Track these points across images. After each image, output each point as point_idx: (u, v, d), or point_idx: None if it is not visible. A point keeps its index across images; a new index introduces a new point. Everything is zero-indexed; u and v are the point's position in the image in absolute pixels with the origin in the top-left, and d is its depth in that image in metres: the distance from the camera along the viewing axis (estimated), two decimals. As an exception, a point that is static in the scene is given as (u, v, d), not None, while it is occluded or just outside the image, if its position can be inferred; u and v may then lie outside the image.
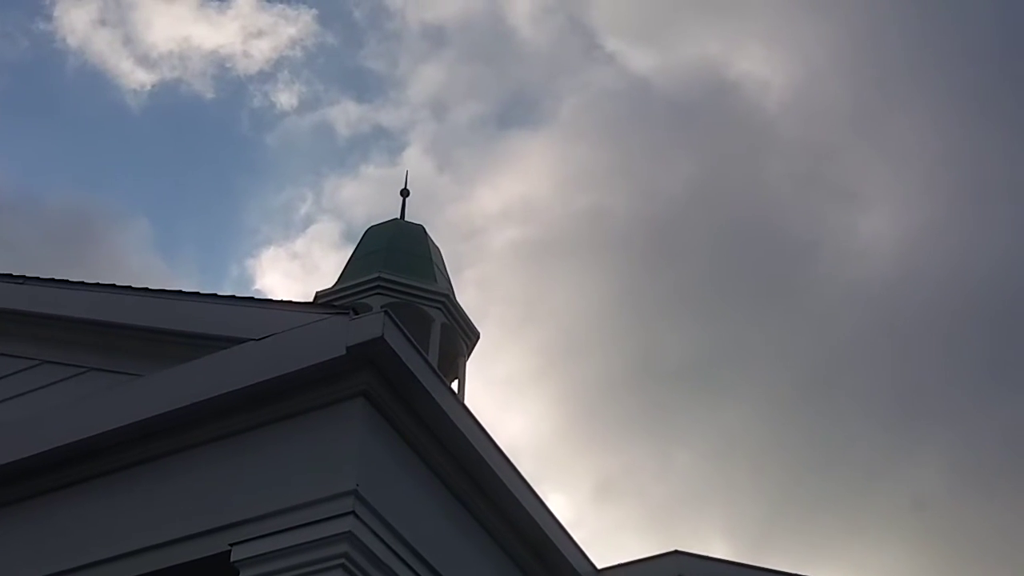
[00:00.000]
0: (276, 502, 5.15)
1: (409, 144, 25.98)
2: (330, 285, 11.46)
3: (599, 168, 23.79)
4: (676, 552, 6.69)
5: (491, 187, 25.18)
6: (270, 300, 6.20)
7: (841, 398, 20.45)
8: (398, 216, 12.73)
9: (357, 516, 4.94)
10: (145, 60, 25.93)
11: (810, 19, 23.14)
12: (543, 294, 22.81)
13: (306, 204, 27.06)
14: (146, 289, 6.52)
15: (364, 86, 27.34)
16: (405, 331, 5.35)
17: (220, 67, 25.98)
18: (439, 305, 11.06)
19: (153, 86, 25.60)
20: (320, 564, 4.90)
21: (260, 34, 26.30)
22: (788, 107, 23.65)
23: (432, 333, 10.80)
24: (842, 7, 22.47)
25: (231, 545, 5.11)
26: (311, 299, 11.15)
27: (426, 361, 5.48)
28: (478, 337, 11.51)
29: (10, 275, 7.22)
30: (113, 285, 6.68)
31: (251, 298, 6.26)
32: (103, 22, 25.84)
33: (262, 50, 26.40)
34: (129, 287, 6.61)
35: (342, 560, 4.86)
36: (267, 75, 26.52)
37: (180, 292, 6.39)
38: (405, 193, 13.05)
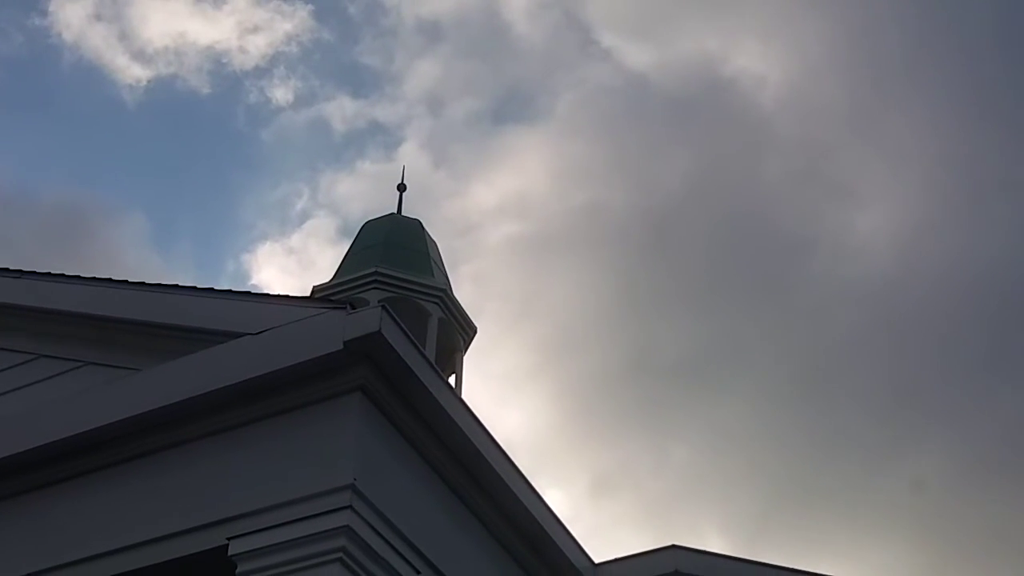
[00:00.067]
0: (273, 496, 5.15)
1: (405, 140, 26.01)
2: (327, 280, 11.46)
3: (595, 164, 23.81)
4: (673, 546, 6.71)
5: (487, 183, 25.20)
6: (267, 295, 6.21)
7: (837, 394, 20.49)
8: (395, 211, 12.73)
9: (354, 510, 4.94)
10: (141, 55, 25.91)
11: (807, 16, 23.16)
12: (539, 290, 22.83)
13: (302, 199, 27.07)
14: (143, 283, 6.52)
15: (360, 82, 27.33)
16: (402, 326, 5.35)
17: (216, 62, 25.97)
18: (436, 300, 11.06)
19: (149, 81, 25.59)
20: (317, 558, 4.90)
21: (256, 29, 26.25)
22: (785, 104, 23.69)
23: (429, 328, 10.80)
24: (839, 4, 22.51)
25: (229, 539, 5.11)
26: (308, 294, 11.15)
27: (423, 356, 5.48)
28: (475, 332, 11.51)
29: (7, 269, 7.22)
30: (110, 279, 6.67)
31: (248, 293, 6.27)
32: (98, 17, 25.81)
33: (258, 46, 26.36)
34: (126, 281, 6.61)
35: (339, 554, 4.86)
36: (263, 71, 26.52)
37: (177, 286, 6.39)
38: (402, 188, 13.05)
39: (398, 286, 10.96)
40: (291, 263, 25.79)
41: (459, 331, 11.29)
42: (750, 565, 6.87)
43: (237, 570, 5.04)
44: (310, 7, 26.08)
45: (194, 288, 6.32)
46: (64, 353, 6.62)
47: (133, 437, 5.74)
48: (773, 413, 20.87)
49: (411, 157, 24.22)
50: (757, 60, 24.04)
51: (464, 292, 12.01)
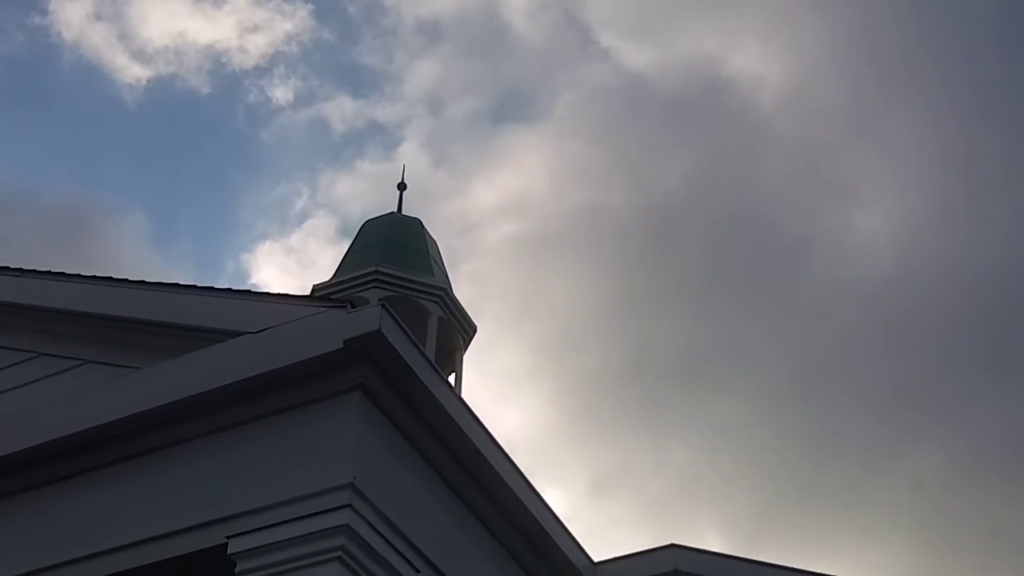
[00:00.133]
0: (273, 495, 5.15)
1: (405, 139, 26.01)
2: (326, 279, 11.46)
3: (595, 164, 23.82)
4: (673, 545, 6.71)
5: (487, 182, 25.21)
6: (267, 293, 6.21)
7: (837, 393, 20.50)
8: (395, 210, 12.73)
9: (354, 509, 4.94)
10: (141, 55, 25.91)
11: (807, 15, 23.16)
12: (539, 289, 22.83)
13: (302, 199, 27.08)
14: (143, 282, 6.52)
15: (360, 81, 27.34)
16: (402, 324, 5.35)
17: (216, 62, 25.97)
18: (436, 299, 11.06)
19: (149, 81, 25.59)
20: (317, 557, 4.90)
21: (256, 29, 26.25)
22: (784, 104, 23.68)
23: (429, 327, 10.79)
24: (838, 4, 22.51)
25: (228, 538, 5.11)
26: (308, 293, 11.15)
27: (423, 355, 5.48)
28: (475, 331, 11.50)
29: (7, 268, 7.22)
30: (110, 278, 6.67)
31: (248, 291, 6.27)
32: (98, 17, 25.81)
33: (258, 45, 26.37)
34: (126, 280, 6.61)
35: (339, 553, 4.86)
36: (263, 70, 26.52)
37: (177, 285, 6.39)
38: (402, 187, 13.05)
39: (398, 285, 10.96)
40: (290, 262, 25.81)
41: (459, 330, 11.29)
42: (749, 564, 6.87)
43: (236, 569, 5.04)
44: (310, 7, 26.10)
45: (194, 287, 6.32)
46: (64, 351, 6.62)
47: (132, 435, 5.74)
48: (772, 413, 20.90)
49: (411, 157, 24.25)
50: (756, 60, 24.06)
51: (464, 292, 12.02)
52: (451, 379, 10.96)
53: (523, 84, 26.04)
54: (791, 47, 24.07)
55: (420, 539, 5.34)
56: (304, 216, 27.28)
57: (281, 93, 26.80)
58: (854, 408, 20.15)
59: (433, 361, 5.70)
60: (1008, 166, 20.82)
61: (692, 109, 23.71)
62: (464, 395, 10.46)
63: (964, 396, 19.93)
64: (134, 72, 25.94)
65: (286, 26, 26.37)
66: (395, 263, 11.30)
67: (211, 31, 26.44)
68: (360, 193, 25.61)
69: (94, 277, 6.75)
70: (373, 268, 11.06)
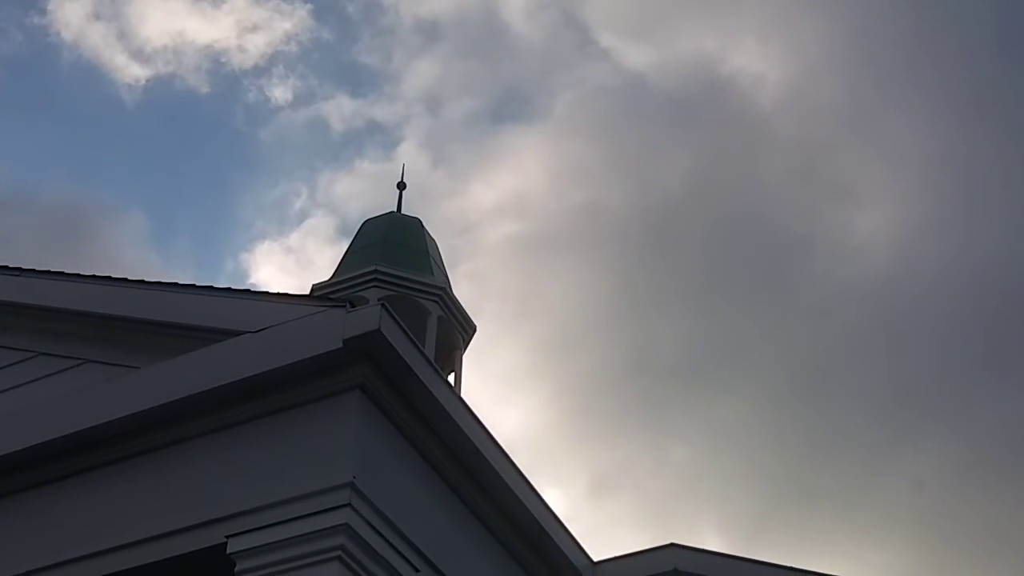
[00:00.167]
0: (272, 494, 5.15)
1: (403, 139, 26.02)
2: (325, 278, 11.46)
3: (594, 163, 23.82)
4: (672, 545, 6.71)
5: (486, 182, 25.22)
6: (267, 293, 6.20)
7: (836, 393, 20.51)
8: (394, 209, 12.72)
9: (353, 508, 4.94)
10: (140, 54, 25.91)
11: (806, 15, 23.17)
12: (538, 289, 22.84)
13: (301, 199, 27.09)
14: (142, 281, 6.52)
15: (358, 81, 27.34)
16: (402, 324, 5.35)
17: (215, 62, 25.97)
18: (436, 298, 11.06)
19: (148, 80, 25.59)
20: (316, 556, 4.90)
21: (255, 29, 26.26)
22: (784, 103, 23.69)
23: (429, 326, 10.79)
24: (838, 4, 22.52)
25: (227, 537, 5.11)
26: (307, 292, 11.14)
27: (422, 354, 5.48)
28: (475, 330, 11.50)
29: (6, 267, 7.22)
30: (109, 277, 6.67)
31: (248, 291, 6.27)
32: (97, 16, 25.81)
33: (257, 45, 26.37)
34: (125, 279, 6.61)
35: (338, 552, 4.86)
36: (262, 70, 26.53)
37: (176, 284, 6.38)
38: (402, 186, 13.04)
39: (398, 284, 10.96)
40: (289, 262, 25.82)
41: (459, 330, 11.29)
42: (749, 564, 6.87)
43: (236, 568, 5.04)
44: (309, 6, 26.11)
45: (193, 286, 6.32)
46: (63, 351, 6.61)
47: (132, 435, 5.74)
48: (772, 413, 20.90)
49: (409, 157, 24.27)
50: (755, 60, 24.07)
51: (463, 291, 12.01)
52: (451, 379, 10.96)
53: (522, 84, 26.06)
54: (790, 47, 24.09)
55: (420, 539, 5.34)
56: (303, 216, 27.31)
57: (280, 93, 26.82)
58: (854, 408, 20.17)
59: (433, 361, 5.70)
60: (1007, 166, 20.84)
61: (691, 109, 23.73)
62: (464, 395, 10.47)
63: (964, 396, 19.96)
64: (133, 72, 25.96)
65: (285, 26, 26.40)
66: (395, 262, 11.29)
67: (210, 31, 26.45)
68: (359, 193, 25.63)
69: (93, 276, 6.75)
70: (373, 267, 11.06)
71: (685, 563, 6.65)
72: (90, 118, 26.43)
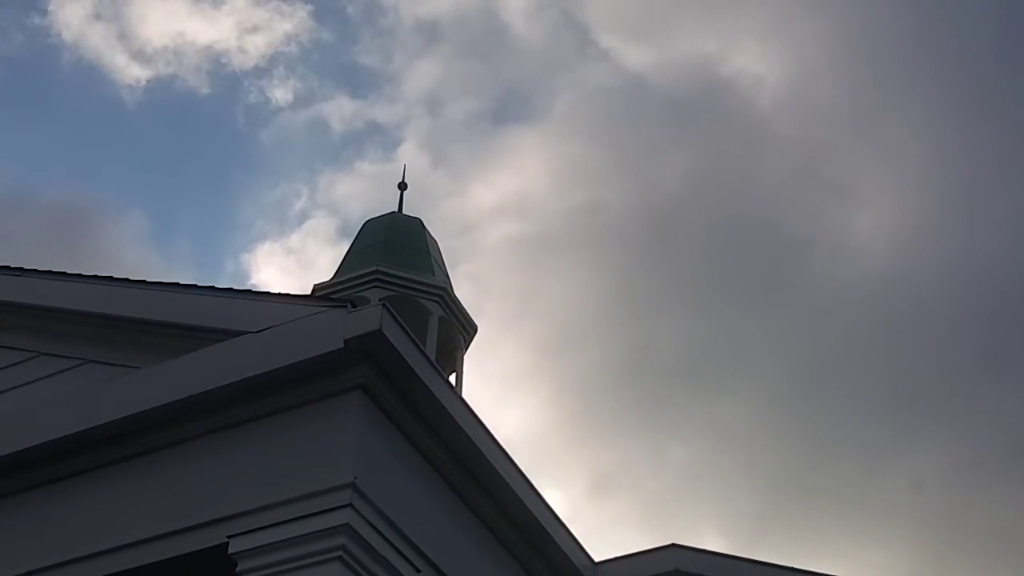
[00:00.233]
0: (274, 494, 5.15)
1: (404, 140, 26.02)
2: (326, 279, 11.45)
3: (594, 164, 23.82)
4: (674, 545, 6.71)
5: (486, 183, 25.22)
6: (268, 293, 6.20)
7: (836, 393, 20.51)
8: (395, 210, 12.71)
9: (354, 509, 4.94)
10: (140, 55, 25.91)
11: (805, 16, 23.17)
12: (538, 289, 22.83)
13: (301, 199, 27.10)
14: (143, 281, 6.52)
15: (359, 82, 27.35)
16: (403, 324, 5.35)
17: (215, 62, 25.98)
18: (437, 298, 11.05)
19: (148, 81, 25.59)
20: (317, 556, 4.90)
21: (255, 29, 26.26)
22: (783, 104, 23.70)
23: (430, 326, 10.79)
24: (837, 4, 22.52)
25: (229, 537, 5.11)
26: (308, 293, 11.14)
27: (424, 354, 5.47)
28: (476, 331, 11.50)
29: (7, 267, 7.21)
30: (110, 277, 6.67)
31: (249, 291, 6.27)
32: (98, 17, 25.81)
33: (257, 45, 26.37)
34: (126, 279, 6.60)
35: (339, 552, 4.86)
36: (262, 70, 26.54)
37: (177, 284, 6.38)
38: (403, 187, 13.03)
39: (399, 284, 10.95)
40: (290, 263, 25.82)
41: (460, 330, 11.29)
42: (750, 564, 6.87)
43: (237, 568, 5.04)
44: (309, 7, 26.11)
45: (194, 286, 6.32)
46: (64, 351, 6.61)
47: (133, 435, 5.73)
48: (772, 413, 20.90)
49: (410, 157, 24.28)
50: (755, 60, 24.07)
51: (463, 292, 12.00)
52: (452, 379, 10.95)
53: (522, 84, 26.07)
54: (790, 47, 24.09)
55: (421, 539, 5.34)
56: (303, 216, 27.32)
57: (280, 93, 26.83)
58: (853, 408, 20.17)
59: (434, 361, 5.70)
60: (1007, 166, 20.84)
61: (691, 109, 23.74)
62: (464, 395, 10.45)
63: (963, 396, 19.95)
64: (133, 72, 25.96)
65: (285, 27, 26.40)
66: (396, 263, 11.29)
67: (210, 31, 26.46)
68: (359, 193, 25.63)
69: (94, 276, 6.75)
70: (374, 268, 11.05)
71: (686, 563, 6.65)
72: (91, 118, 26.44)
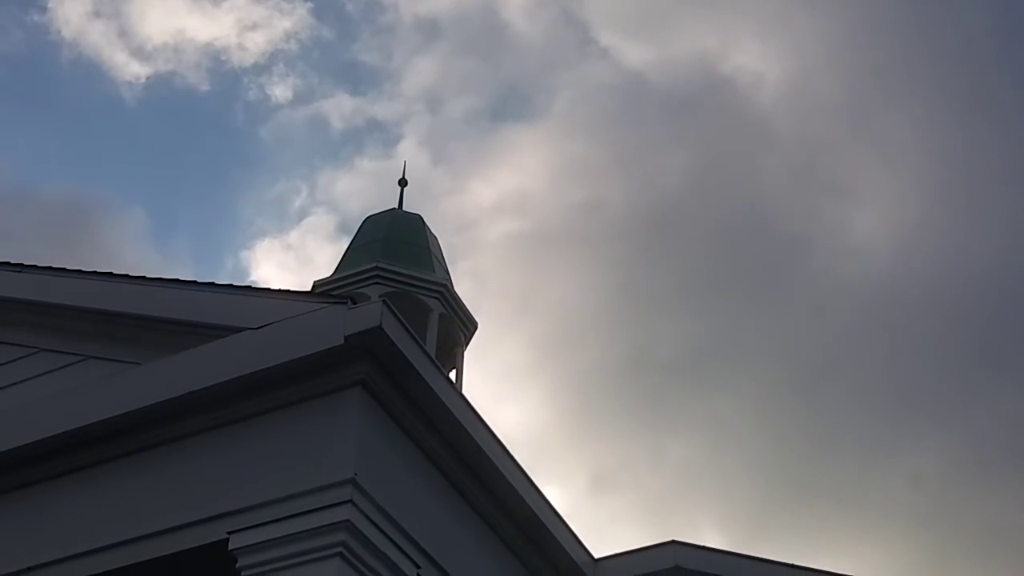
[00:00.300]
0: (274, 491, 5.15)
1: (403, 137, 26.01)
2: (326, 275, 11.45)
3: (594, 162, 23.82)
4: (674, 542, 6.72)
5: (486, 180, 25.22)
6: (268, 289, 6.20)
7: (835, 391, 20.52)
8: (395, 206, 12.71)
9: (355, 505, 4.94)
10: (140, 52, 25.90)
11: (805, 14, 23.16)
12: (538, 286, 22.84)
13: (300, 196, 27.10)
14: (144, 277, 6.52)
15: (358, 79, 27.34)
16: (403, 321, 5.35)
17: (215, 60, 25.97)
18: (437, 295, 11.05)
19: (148, 78, 25.59)
20: (318, 552, 4.90)
21: (255, 27, 26.25)
22: (783, 102, 23.69)
23: (430, 323, 10.79)
24: (837, 2, 22.51)
25: (229, 533, 5.11)
26: (308, 289, 11.13)
27: (424, 351, 5.48)
28: (476, 327, 11.49)
29: (8, 263, 7.21)
30: (110, 273, 6.67)
31: (249, 287, 6.27)
32: (97, 14, 25.80)
33: (257, 43, 26.35)
34: (126, 275, 6.60)
35: (340, 548, 4.86)
36: (262, 68, 26.53)
37: (178, 281, 6.38)
38: (403, 183, 13.02)
39: (399, 281, 10.95)
40: (289, 260, 25.82)
41: (460, 326, 11.28)
42: (750, 561, 6.88)
43: (238, 564, 5.04)
44: (309, 4, 26.11)
45: (194, 283, 6.32)
46: (64, 347, 6.61)
47: (133, 431, 5.74)
48: (771, 410, 20.91)
49: (409, 154, 24.31)
50: (755, 58, 24.06)
51: (463, 289, 11.99)
52: (452, 375, 10.96)
53: (522, 82, 26.05)
54: (790, 45, 24.08)
55: (421, 535, 5.34)
56: (303, 213, 27.32)
57: (280, 91, 26.82)
58: (853, 405, 20.18)
59: (434, 357, 5.70)
60: (1006, 165, 20.84)
61: (691, 107, 23.74)
62: (465, 392, 10.45)
63: (962, 393, 19.97)
64: (133, 69, 25.93)
65: (285, 24, 26.40)
66: (396, 259, 11.29)
67: (210, 29, 26.43)
68: (359, 191, 25.63)
69: (94, 273, 6.75)
70: (374, 264, 11.05)
71: (686, 560, 6.66)
72: (90, 116, 26.45)
